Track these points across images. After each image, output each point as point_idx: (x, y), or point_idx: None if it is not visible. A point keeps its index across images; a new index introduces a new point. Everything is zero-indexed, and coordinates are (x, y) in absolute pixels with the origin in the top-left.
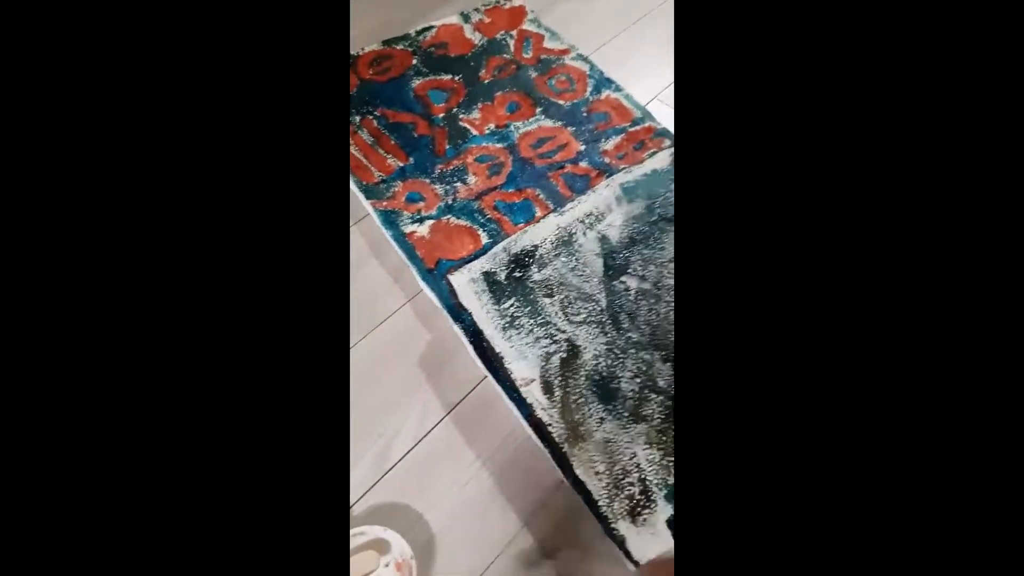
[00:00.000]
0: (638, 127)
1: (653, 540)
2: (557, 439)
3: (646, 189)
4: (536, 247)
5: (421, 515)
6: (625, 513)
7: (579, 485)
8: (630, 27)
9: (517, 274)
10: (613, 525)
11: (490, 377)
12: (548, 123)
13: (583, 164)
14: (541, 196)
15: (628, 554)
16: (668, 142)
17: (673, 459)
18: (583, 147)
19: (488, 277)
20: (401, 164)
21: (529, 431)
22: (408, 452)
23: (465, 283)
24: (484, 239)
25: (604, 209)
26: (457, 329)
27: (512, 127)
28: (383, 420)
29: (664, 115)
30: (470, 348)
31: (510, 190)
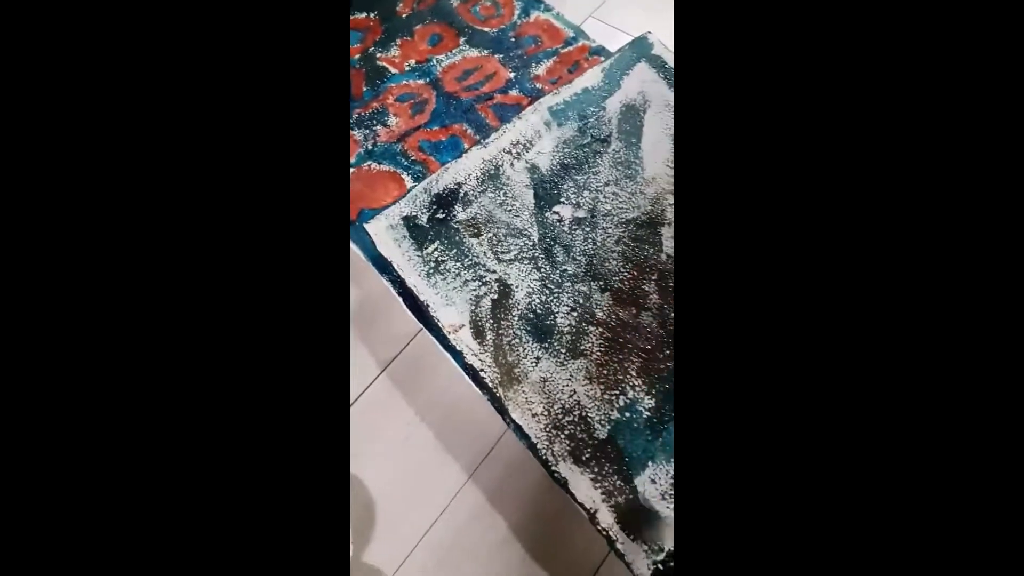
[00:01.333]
0: (571, 47)
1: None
2: (490, 384)
3: (577, 110)
4: (460, 184)
5: (359, 480)
6: (566, 454)
7: (519, 430)
8: None
9: (440, 215)
10: (554, 468)
11: (425, 329)
12: (473, 53)
13: (513, 92)
14: (469, 131)
15: (572, 496)
16: (604, 59)
17: (615, 392)
18: (512, 75)
19: (408, 222)
20: None
21: (468, 380)
22: None
23: (383, 231)
24: (409, 183)
25: (532, 136)
26: (386, 282)
27: (434, 61)
28: None
29: (600, 32)
30: (401, 301)
31: (435, 128)
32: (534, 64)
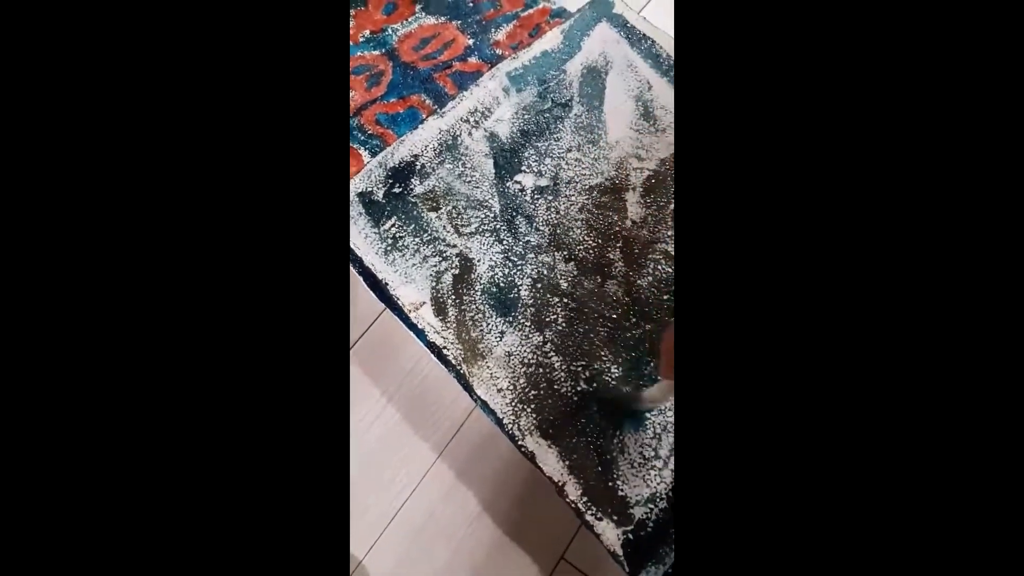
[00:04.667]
0: (531, 10)
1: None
2: (454, 361)
3: (536, 74)
4: (416, 157)
5: None
6: (533, 428)
7: (485, 406)
8: None
9: (396, 190)
10: (521, 443)
11: (388, 308)
12: (430, 20)
13: (473, 60)
14: (427, 101)
15: (540, 470)
16: (565, 22)
17: (582, 363)
18: (471, 41)
19: (364, 198)
20: None
21: (434, 358)
22: None
23: None
24: (366, 158)
25: (490, 103)
26: None
27: (390, 30)
28: None
29: None
30: (362, 280)
31: (392, 100)
32: (493, 29)
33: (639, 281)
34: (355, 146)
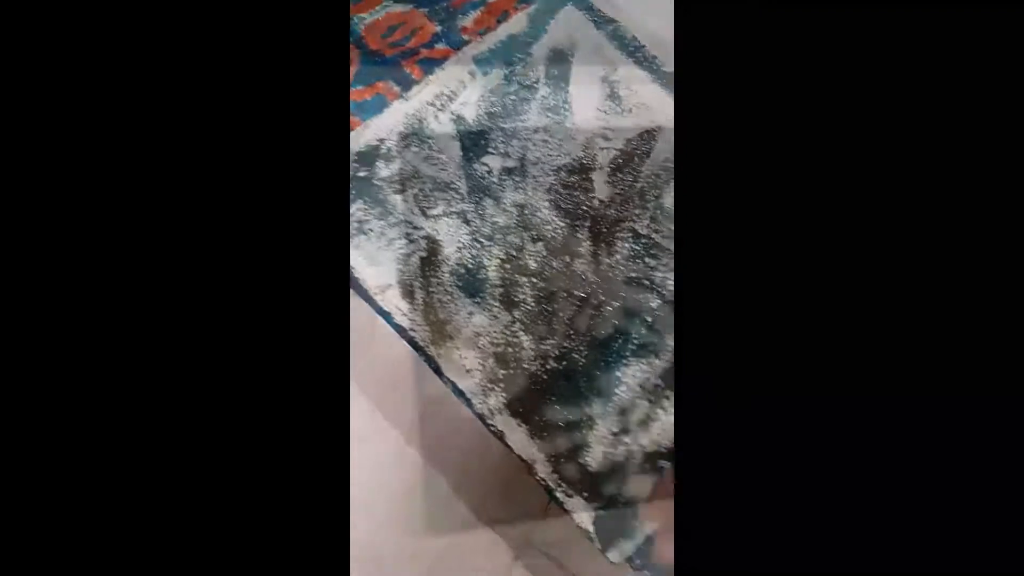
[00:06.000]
0: None
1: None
2: (421, 343)
3: (502, 57)
4: (382, 140)
5: None
6: (503, 407)
7: (454, 387)
8: None
9: (361, 174)
10: (490, 422)
11: (354, 291)
12: (397, 8)
13: (440, 46)
14: (395, 88)
15: (510, 448)
16: (531, 5)
17: (551, 342)
18: (439, 28)
19: None
20: None
21: (402, 340)
22: None
23: None
24: None
25: (456, 87)
26: None
27: (356, 20)
28: None
29: None
30: None
31: (358, 87)
32: (461, 16)
33: (607, 260)
34: None
